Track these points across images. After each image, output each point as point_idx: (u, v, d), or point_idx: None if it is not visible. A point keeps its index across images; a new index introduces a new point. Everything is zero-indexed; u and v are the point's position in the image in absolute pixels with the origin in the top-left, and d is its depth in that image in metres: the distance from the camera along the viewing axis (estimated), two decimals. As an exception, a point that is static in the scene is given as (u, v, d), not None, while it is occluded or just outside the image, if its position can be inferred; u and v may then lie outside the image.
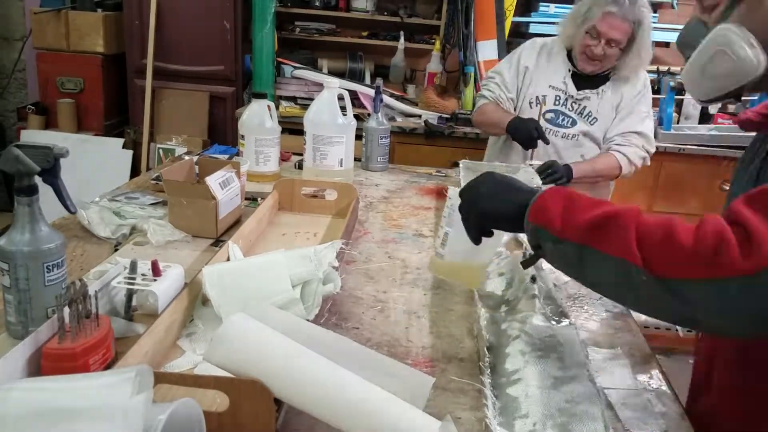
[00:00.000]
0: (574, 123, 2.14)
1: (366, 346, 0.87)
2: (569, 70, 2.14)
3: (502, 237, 1.00)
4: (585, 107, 2.14)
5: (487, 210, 0.91)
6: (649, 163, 2.18)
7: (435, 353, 0.99)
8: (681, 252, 0.73)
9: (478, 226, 0.94)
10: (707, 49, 0.90)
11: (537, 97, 2.16)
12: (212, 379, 0.73)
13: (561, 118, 2.15)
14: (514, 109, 2.20)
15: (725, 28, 0.88)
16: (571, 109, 2.14)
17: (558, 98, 2.15)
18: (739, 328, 0.75)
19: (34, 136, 3.26)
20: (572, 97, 2.13)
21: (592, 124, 2.14)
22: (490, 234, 0.95)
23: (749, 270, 0.68)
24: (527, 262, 0.92)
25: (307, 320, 0.94)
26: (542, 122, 2.10)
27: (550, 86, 2.15)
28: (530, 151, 2.06)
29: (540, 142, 2.00)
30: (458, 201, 0.94)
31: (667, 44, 3.29)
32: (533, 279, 1.08)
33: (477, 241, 0.94)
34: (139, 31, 3.26)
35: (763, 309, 0.70)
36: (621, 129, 2.13)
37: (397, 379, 0.78)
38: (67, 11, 3.27)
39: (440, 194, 1.84)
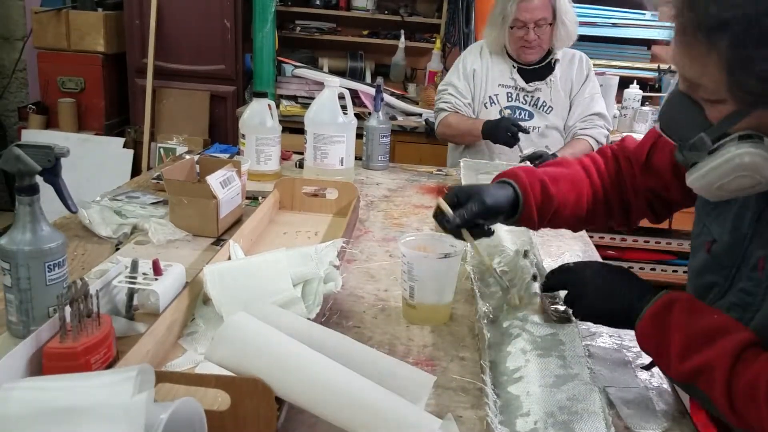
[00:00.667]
0: (531, 116, 2.19)
1: (367, 345, 0.87)
2: (513, 66, 2.19)
3: (457, 276, 1.08)
4: (538, 98, 2.19)
5: (597, 314, 0.95)
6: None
7: (436, 352, 0.99)
8: (761, 416, 0.72)
9: (583, 319, 0.97)
10: (726, 169, 0.78)
11: (490, 97, 2.21)
12: (213, 378, 0.73)
13: (518, 113, 2.19)
14: (474, 113, 2.23)
15: (749, 153, 0.76)
16: (525, 102, 2.20)
17: (510, 95, 2.20)
18: None
19: (35, 135, 3.26)
20: (524, 90, 2.18)
21: (548, 113, 2.19)
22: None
23: None
24: (649, 365, 0.97)
25: (309, 319, 0.94)
26: None
27: (499, 85, 2.20)
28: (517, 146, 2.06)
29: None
30: (412, 257, 1.03)
31: (668, 42, 3.29)
32: (534, 277, 1.08)
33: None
34: (140, 31, 3.26)
35: None
36: (581, 114, 2.20)
37: (398, 378, 0.78)
38: (68, 11, 3.27)
39: (441, 193, 1.84)
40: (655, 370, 0.97)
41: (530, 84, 2.18)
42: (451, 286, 1.07)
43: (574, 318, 0.99)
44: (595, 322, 0.97)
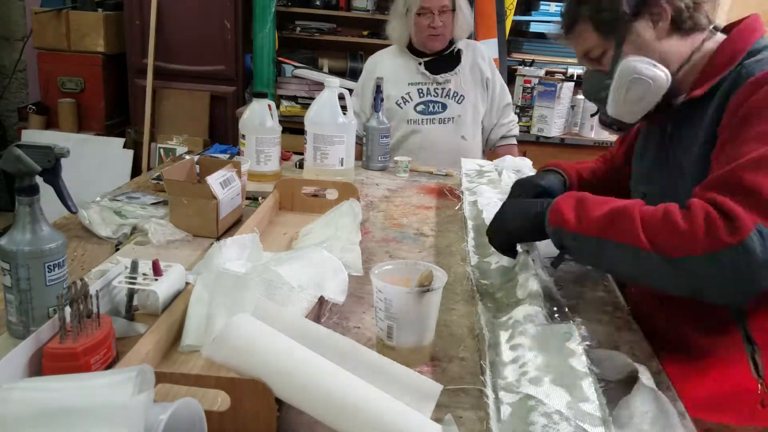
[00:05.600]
0: (444, 107, 2.32)
1: (367, 346, 0.87)
2: (420, 63, 2.31)
3: (436, 318, 0.96)
4: (449, 89, 2.31)
5: (512, 229, 1.12)
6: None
7: (436, 352, 0.99)
8: (679, 234, 0.88)
9: (505, 244, 1.15)
10: (622, 83, 1.07)
11: (402, 97, 2.32)
12: (213, 378, 0.73)
13: (431, 106, 2.32)
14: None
15: (628, 61, 1.06)
16: (436, 95, 2.32)
17: (421, 90, 2.32)
18: (731, 295, 0.90)
19: (35, 135, 3.26)
20: (435, 82, 2.31)
21: (460, 103, 2.32)
22: (513, 251, 1.16)
23: (734, 242, 0.84)
24: (556, 261, 1.11)
25: (307, 319, 0.93)
26: (415, 115, 2.31)
27: (409, 83, 2.32)
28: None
29: None
30: (389, 291, 0.90)
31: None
32: (535, 275, 1.08)
33: (512, 254, 1.16)
34: (140, 31, 3.26)
35: (748, 273, 0.85)
36: (498, 107, 2.41)
37: (402, 386, 0.78)
38: (68, 11, 3.28)
39: (441, 193, 1.84)
40: (656, 371, 0.96)
41: (440, 76, 2.30)
42: (434, 322, 0.95)
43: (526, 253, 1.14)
44: (517, 241, 1.15)
